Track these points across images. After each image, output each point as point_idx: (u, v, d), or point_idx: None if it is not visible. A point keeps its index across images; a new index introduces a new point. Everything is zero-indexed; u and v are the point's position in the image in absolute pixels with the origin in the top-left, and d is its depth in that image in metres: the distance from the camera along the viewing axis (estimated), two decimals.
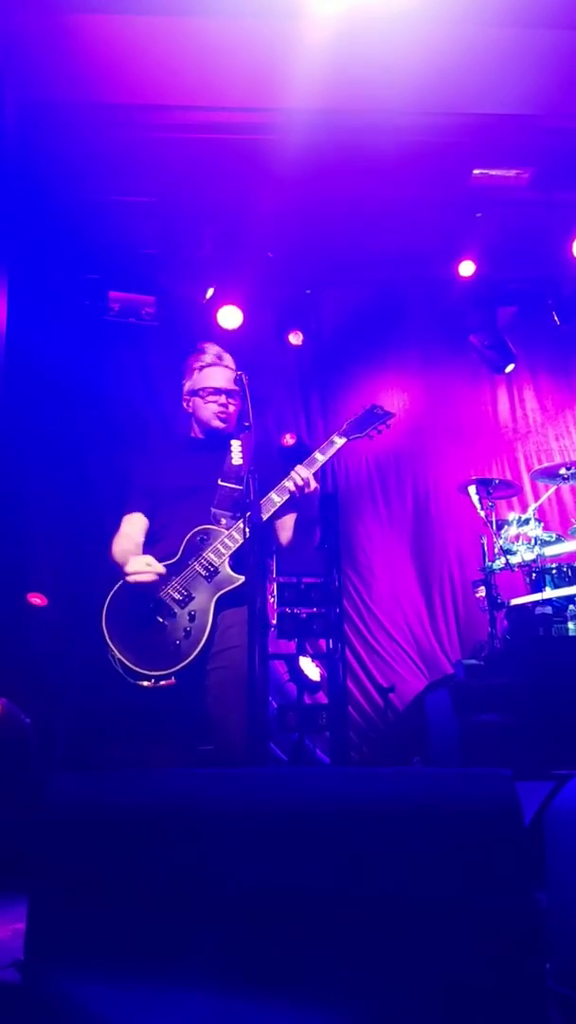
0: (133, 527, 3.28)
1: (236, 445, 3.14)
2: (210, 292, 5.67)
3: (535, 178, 5.25)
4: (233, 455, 3.15)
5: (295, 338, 5.85)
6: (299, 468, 3.11)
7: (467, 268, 5.68)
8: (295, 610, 3.39)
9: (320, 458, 3.17)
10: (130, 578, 2.99)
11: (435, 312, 6.09)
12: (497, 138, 5.06)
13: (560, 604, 4.29)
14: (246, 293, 5.67)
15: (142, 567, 3.00)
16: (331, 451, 3.21)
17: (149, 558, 3.04)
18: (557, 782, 2.04)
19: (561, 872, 1.76)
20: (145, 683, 2.91)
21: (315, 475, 3.14)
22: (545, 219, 5.54)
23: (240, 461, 3.10)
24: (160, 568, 3.00)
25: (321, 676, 4.22)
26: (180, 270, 5.71)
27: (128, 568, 3.01)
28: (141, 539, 3.24)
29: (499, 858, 1.25)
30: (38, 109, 4.77)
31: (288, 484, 3.07)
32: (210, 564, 3.02)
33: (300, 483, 3.07)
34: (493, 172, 5.22)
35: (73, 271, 5.52)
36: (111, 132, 4.98)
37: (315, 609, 3.38)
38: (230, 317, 5.61)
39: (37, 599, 4.73)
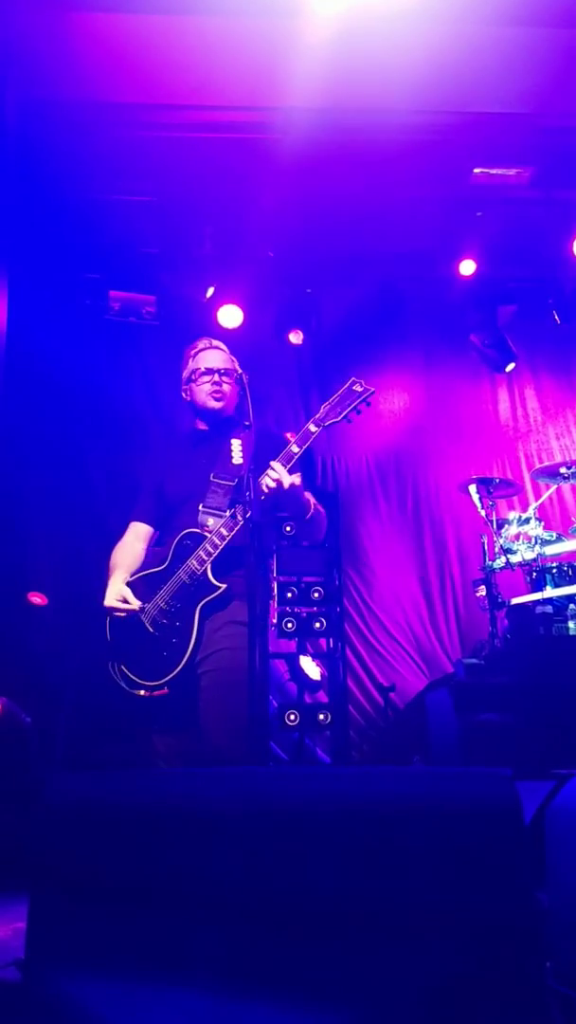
0: (136, 536, 3.24)
1: (236, 444, 3.08)
2: (210, 291, 5.67)
3: (535, 177, 5.25)
4: (234, 454, 3.08)
5: (295, 337, 5.85)
6: (273, 465, 2.93)
7: (467, 267, 5.68)
8: (295, 609, 3.38)
9: (296, 450, 2.98)
10: (106, 610, 3.04)
11: (435, 311, 6.10)
12: (497, 137, 5.06)
13: (561, 603, 4.28)
14: (246, 292, 5.67)
15: (116, 603, 3.01)
16: (308, 441, 3.02)
17: (125, 591, 3.02)
18: (557, 781, 2.04)
19: (561, 871, 1.76)
20: (141, 692, 2.93)
21: (295, 468, 2.97)
22: (545, 218, 5.54)
23: (240, 460, 3.04)
24: (134, 605, 2.99)
25: (322, 675, 4.21)
26: (180, 269, 5.71)
27: (106, 600, 3.04)
28: (141, 547, 3.22)
29: (499, 857, 1.25)
30: (39, 108, 4.77)
31: (262, 487, 2.90)
32: (193, 572, 2.95)
33: (273, 485, 2.90)
34: (493, 171, 5.22)
35: (74, 270, 5.52)
36: (112, 131, 4.98)
37: (315, 608, 3.36)
38: (230, 316, 5.61)
39: (37, 599, 4.73)
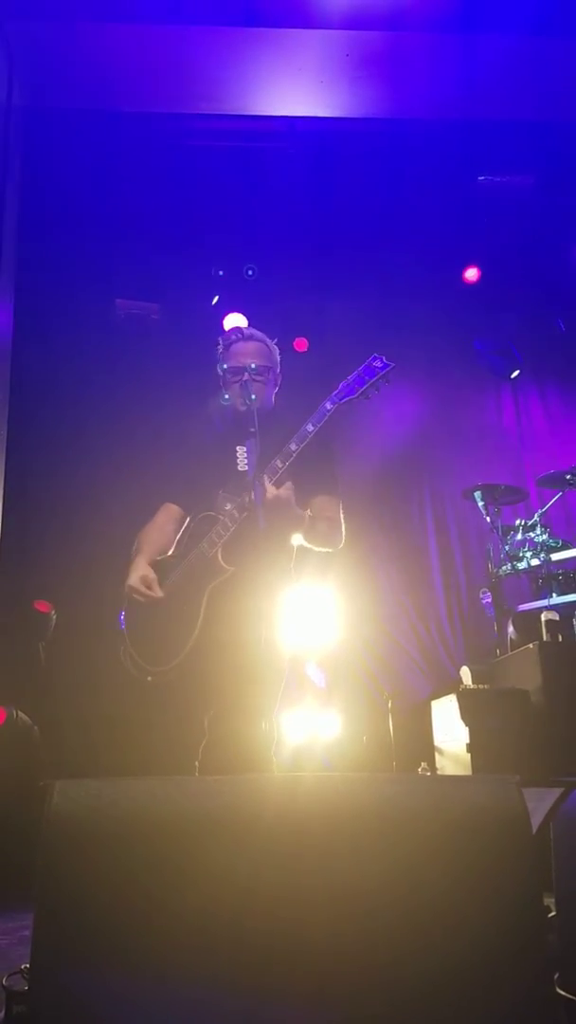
0: (168, 517, 3.04)
1: (241, 451, 2.99)
2: (216, 299, 5.69)
3: (540, 183, 5.27)
4: (239, 461, 2.98)
5: (300, 345, 5.86)
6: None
7: (472, 274, 5.69)
8: None
9: (311, 429, 2.80)
10: (126, 589, 2.85)
11: (440, 318, 6.09)
12: (502, 143, 5.08)
13: (566, 610, 4.28)
14: (251, 300, 5.68)
15: (139, 586, 2.82)
16: (322, 420, 2.83)
17: (150, 576, 2.84)
18: (564, 788, 2.04)
19: (568, 878, 1.75)
20: (148, 678, 2.78)
21: (306, 461, 2.79)
22: (550, 225, 5.55)
23: (244, 467, 2.94)
24: (156, 594, 2.81)
25: (326, 681, 4.21)
26: (186, 277, 5.72)
27: (129, 580, 2.85)
28: (172, 529, 3.01)
29: (506, 864, 1.24)
30: (45, 116, 4.80)
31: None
32: (203, 554, 2.81)
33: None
34: (498, 178, 5.24)
35: (80, 278, 5.53)
36: (117, 139, 5.01)
37: None
38: (235, 324, 5.62)
39: (43, 606, 4.73)
